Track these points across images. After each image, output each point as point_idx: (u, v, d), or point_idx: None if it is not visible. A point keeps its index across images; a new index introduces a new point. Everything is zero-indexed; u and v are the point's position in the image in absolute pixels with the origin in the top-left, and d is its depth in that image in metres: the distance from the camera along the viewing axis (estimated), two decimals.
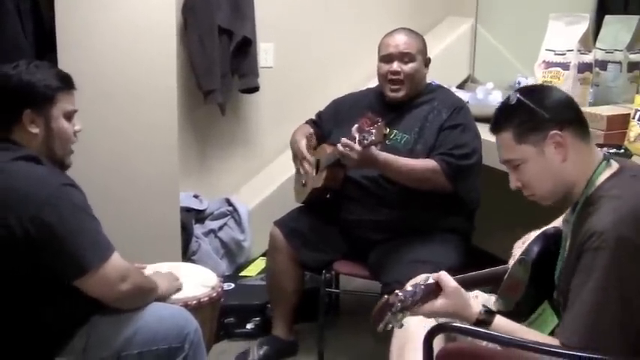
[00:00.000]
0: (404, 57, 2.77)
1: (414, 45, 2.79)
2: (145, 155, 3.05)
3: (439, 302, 1.67)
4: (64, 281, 1.87)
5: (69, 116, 2.03)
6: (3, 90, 1.96)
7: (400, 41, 2.79)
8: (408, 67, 2.77)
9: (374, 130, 2.41)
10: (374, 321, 1.65)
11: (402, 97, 2.79)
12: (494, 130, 1.81)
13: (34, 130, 1.96)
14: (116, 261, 1.91)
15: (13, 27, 2.86)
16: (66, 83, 2.03)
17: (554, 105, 1.74)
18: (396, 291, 1.64)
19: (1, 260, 1.84)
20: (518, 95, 1.76)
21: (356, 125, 2.51)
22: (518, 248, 2.02)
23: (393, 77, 2.77)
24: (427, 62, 2.86)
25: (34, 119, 1.96)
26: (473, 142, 2.70)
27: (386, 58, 2.80)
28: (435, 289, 1.68)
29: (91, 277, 1.86)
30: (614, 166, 1.75)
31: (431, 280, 1.70)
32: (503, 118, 1.79)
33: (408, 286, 1.67)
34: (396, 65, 2.76)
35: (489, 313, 1.67)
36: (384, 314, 1.63)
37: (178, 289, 2.27)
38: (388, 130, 2.46)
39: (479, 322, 1.66)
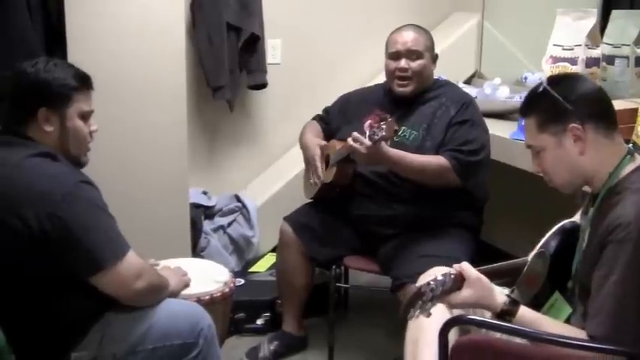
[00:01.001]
0: (411, 54, 2.77)
1: (421, 42, 2.79)
2: (155, 152, 3.06)
3: (464, 292, 1.69)
4: (80, 277, 1.88)
5: (85, 116, 2.04)
6: (20, 87, 1.97)
7: (408, 38, 2.79)
8: (416, 64, 2.77)
9: (384, 126, 2.41)
10: (405, 309, 1.66)
11: (410, 93, 2.79)
12: (522, 113, 1.87)
13: (49, 128, 1.97)
14: (132, 259, 1.92)
15: (22, 21, 2.85)
16: (83, 83, 2.03)
17: (579, 98, 1.75)
18: (428, 280, 1.67)
19: (18, 256, 1.86)
20: (545, 84, 1.78)
21: (368, 122, 2.51)
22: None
23: (401, 74, 2.78)
24: (435, 58, 2.86)
25: (49, 118, 1.96)
26: (481, 138, 2.70)
27: (393, 56, 2.80)
28: (460, 280, 1.70)
29: (107, 275, 1.88)
30: (638, 159, 1.76)
31: (454, 271, 1.72)
32: (530, 104, 1.83)
33: (439, 276, 1.68)
34: (403, 62, 2.77)
35: (514, 303, 1.69)
36: (415, 303, 1.65)
37: (187, 284, 2.28)
38: (397, 126, 2.47)
39: (503, 312, 1.68)
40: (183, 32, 3.06)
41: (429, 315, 1.65)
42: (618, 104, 2.67)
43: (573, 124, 1.72)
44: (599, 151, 1.74)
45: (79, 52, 2.84)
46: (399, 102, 2.82)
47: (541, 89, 1.77)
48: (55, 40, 2.94)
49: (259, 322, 3.16)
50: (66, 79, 1.98)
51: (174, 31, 3.01)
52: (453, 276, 1.69)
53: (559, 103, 1.73)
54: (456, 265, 1.74)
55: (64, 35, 2.87)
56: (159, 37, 2.98)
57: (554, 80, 1.82)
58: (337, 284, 3.05)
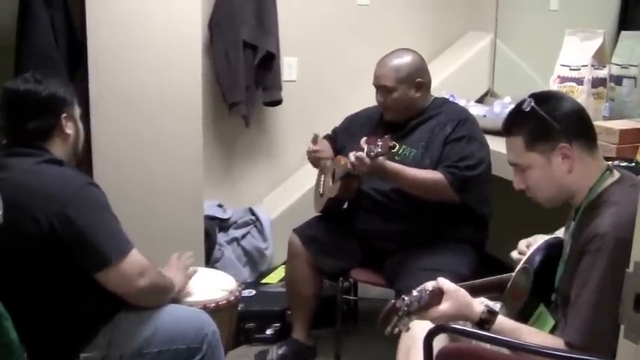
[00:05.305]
0: (382, 89, 2.83)
1: (391, 77, 2.79)
2: (171, 165, 3.15)
3: (442, 305, 1.72)
4: (87, 274, 1.98)
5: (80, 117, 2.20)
6: (38, 102, 2.06)
7: (380, 72, 2.84)
8: (387, 99, 2.82)
9: (380, 143, 2.53)
10: (381, 324, 1.70)
11: (393, 120, 2.86)
12: (506, 131, 1.86)
13: (69, 130, 2.10)
14: (135, 257, 2.02)
15: (47, 38, 2.97)
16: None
17: (566, 116, 1.78)
18: (403, 295, 1.70)
19: (32, 255, 1.97)
20: (532, 103, 1.79)
21: (364, 138, 2.62)
22: (524, 247, 2.08)
23: (380, 105, 2.88)
24: (418, 86, 2.82)
25: (67, 122, 2.10)
26: (479, 153, 2.72)
27: (374, 86, 2.88)
28: (439, 294, 1.73)
29: (111, 271, 1.97)
30: (616, 175, 1.81)
31: (431, 287, 1.75)
32: (516, 122, 1.84)
33: (414, 291, 1.72)
34: (379, 96, 2.85)
35: (492, 313, 1.73)
36: (391, 318, 1.68)
37: (191, 276, 2.39)
38: (393, 143, 2.56)
39: (482, 322, 1.72)
40: (199, 50, 3.16)
41: (407, 329, 1.68)
42: (625, 124, 2.72)
43: (563, 144, 1.76)
44: (585, 168, 1.78)
45: (100, 69, 2.97)
46: (396, 123, 2.88)
47: (528, 108, 1.79)
48: (76, 55, 3.05)
49: (269, 331, 3.22)
50: (65, 85, 2.14)
51: (191, 49, 3.11)
52: (429, 291, 1.71)
53: (547, 122, 1.76)
54: (432, 282, 1.77)
55: (85, 51, 2.98)
56: (176, 54, 3.08)
57: (539, 99, 1.82)
58: (346, 297, 3.10)
